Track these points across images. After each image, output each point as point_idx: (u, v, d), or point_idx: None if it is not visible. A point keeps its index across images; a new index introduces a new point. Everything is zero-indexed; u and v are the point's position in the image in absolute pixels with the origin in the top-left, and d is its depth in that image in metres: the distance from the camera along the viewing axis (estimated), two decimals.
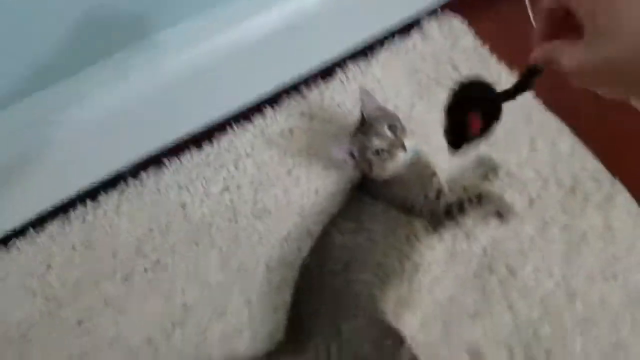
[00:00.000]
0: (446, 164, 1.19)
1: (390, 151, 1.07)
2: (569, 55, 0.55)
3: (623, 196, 1.14)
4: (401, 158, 1.07)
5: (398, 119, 1.12)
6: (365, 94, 1.13)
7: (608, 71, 0.52)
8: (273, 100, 1.31)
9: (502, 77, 1.28)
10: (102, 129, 1.13)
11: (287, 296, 1.09)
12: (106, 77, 1.10)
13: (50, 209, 1.20)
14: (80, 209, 1.21)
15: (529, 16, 1.36)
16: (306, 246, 1.12)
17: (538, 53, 0.61)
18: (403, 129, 1.10)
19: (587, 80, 0.55)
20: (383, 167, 1.08)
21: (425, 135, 1.23)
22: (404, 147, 1.06)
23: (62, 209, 1.22)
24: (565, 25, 0.58)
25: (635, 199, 1.13)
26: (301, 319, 1.02)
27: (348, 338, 0.97)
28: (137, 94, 1.11)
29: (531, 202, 1.15)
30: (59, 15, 0.97)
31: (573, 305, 1.04)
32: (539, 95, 1.26)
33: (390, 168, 1.08)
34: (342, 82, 1.32)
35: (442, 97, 0.72)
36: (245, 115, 1.30)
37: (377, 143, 1.07)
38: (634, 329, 1.02)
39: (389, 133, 1.08)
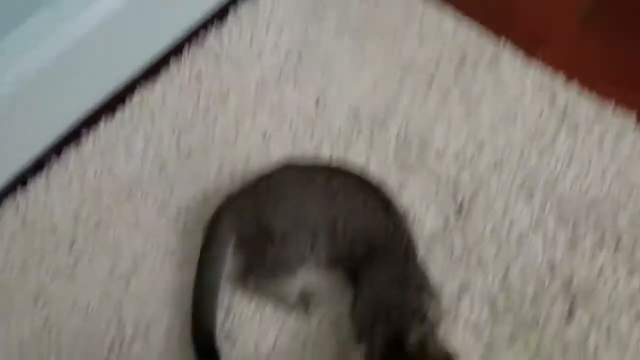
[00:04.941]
0: None
1: None
2: None
3: (506, 55, 1.26)
4: None
5: None
6: None
7: None
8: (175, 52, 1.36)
9: None
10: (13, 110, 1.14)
11: None
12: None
13: None
14: (10, 198, 1.21)
15: None
16: (240, 173, 1.18)
17: None
18: None
19: None
20: None
21: None
22: None
23: None
24: None
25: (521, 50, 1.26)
26: None
27: None
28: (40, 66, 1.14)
29: (429, 79, 1.25)
30: None
31: (483, 151, 1.15)
32: None
33: None
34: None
35: None
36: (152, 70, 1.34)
37: None
38: (540, 158, 1.13)
39: None
